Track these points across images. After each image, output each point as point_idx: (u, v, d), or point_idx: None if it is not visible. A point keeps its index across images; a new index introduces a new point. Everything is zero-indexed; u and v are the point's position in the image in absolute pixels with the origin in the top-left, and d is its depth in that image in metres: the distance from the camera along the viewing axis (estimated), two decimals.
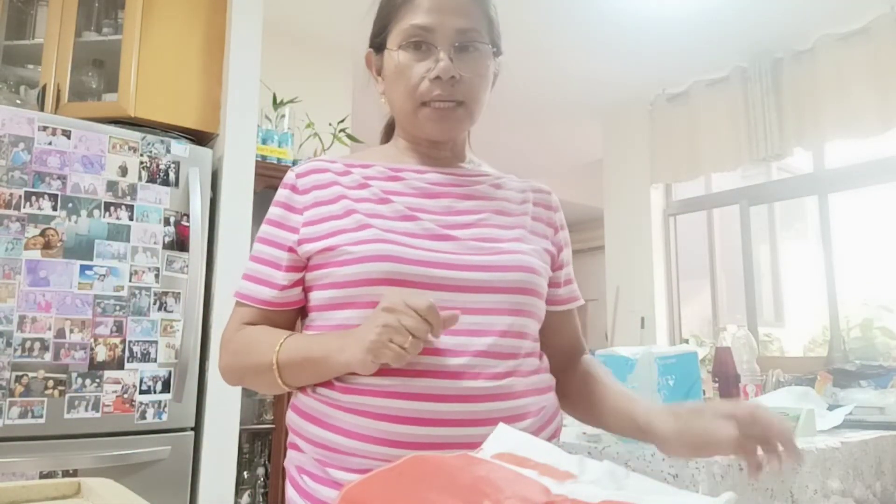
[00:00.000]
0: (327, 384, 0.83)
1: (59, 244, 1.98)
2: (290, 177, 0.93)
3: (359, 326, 0.77)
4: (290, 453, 0.89)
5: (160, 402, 2.08)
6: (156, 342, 2.09)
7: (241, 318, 0.91)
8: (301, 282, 0.89)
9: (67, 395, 1.93)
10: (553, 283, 0.96)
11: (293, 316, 0.93)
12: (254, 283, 0.90)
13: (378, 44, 0.93)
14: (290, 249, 0.88)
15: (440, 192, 0.90)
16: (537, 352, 0.91)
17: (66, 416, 1.93)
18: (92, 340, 1.99)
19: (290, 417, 0.89)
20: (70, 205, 2.01)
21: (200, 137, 2.45)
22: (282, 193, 0.92)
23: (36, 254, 1.94)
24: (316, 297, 0.88)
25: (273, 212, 0.92)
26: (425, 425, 0.76)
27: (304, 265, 0.88)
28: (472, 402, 0.78)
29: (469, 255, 0.84)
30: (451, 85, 0.85)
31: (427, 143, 0.94)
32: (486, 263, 0.84)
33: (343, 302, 0.84)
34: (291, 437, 0.89)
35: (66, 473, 1.88)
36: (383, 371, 0.76)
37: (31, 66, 2.40)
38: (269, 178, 2.62)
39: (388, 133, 1.02)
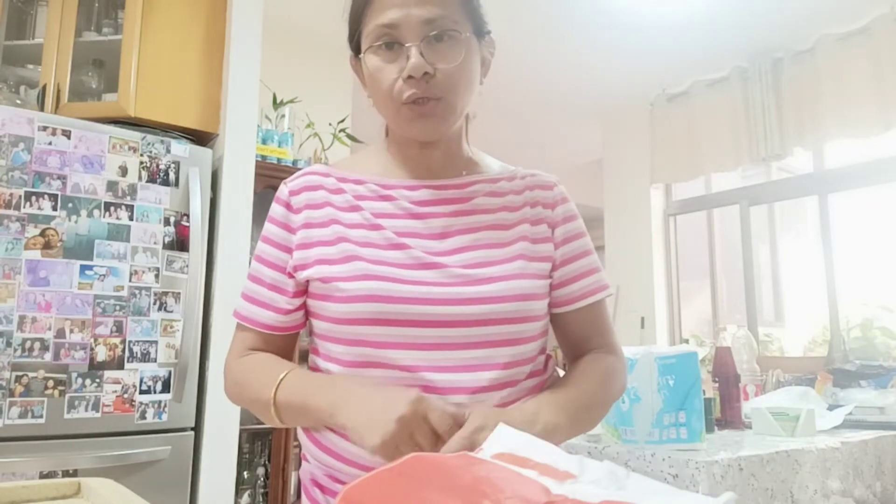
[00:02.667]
0: None
1: (59, 244, 1.98)
2: (283, 192, 0.90)
3: (361, 389, 0.75)
4: (303, 464, 0.90)
5: (160, 402, 2.08)
6: (156, 342, 2.09)
7: (244, 343, 0.89)
8: (304, 306, 0.88)
9: (67, 395, 1.93)
10: (559, 284, 0.90)
11: (296, 338, 0.92)
12: (255, 306, 0.88)
13: (354, 48, 0.89)
14: (290, 274, 0.86)
15: (431, 213, 0.86)
16: (539, 369, 0.89)
17: (66, 416, 1.93)
18: (92, 340, 1.99)
19: (300, 435, 0.89)
20: (70, 205, 2.01)
21: (200, 137, 2.45)
22: (278, 211, 0.89)
23: (36, 254, 1.94)
24: (315, 325, 0.88)
25: (271, 230, 0.89)
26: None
27: (305, 289, 0.87)
28: None
29: (460, 285, 0.81)
30: (426, 81, 0.80)
31: (417, 146, 0.89)
32: (478, 295, 0.80)
33: (337, 337, 0.83)
34: (303, 450, 0.89)
35: (66, 473, 1.88)
36: None
37: (31, 66, 2.40)
38: (269, 178, 2.62)
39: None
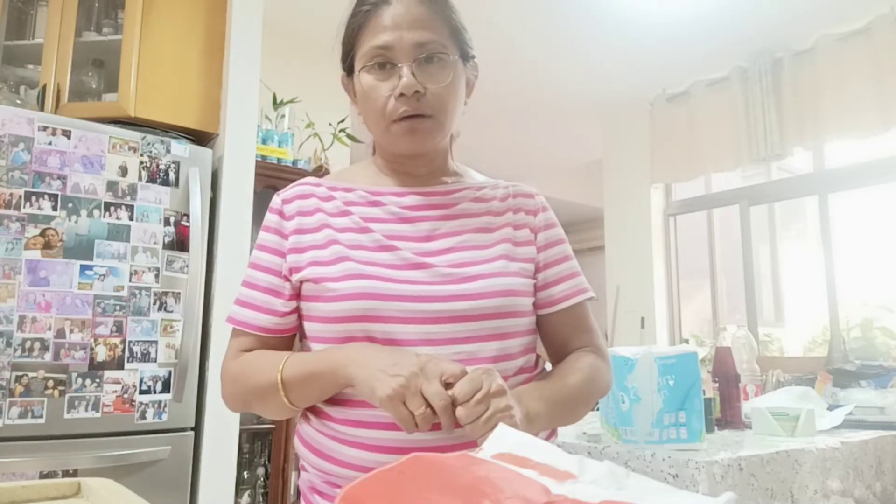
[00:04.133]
0: (326, 416, 0.84)
1: (59, 244, 1.98)
2: (276, 202, 0.94)
3: (371, 349, 0.78)
4: (302, 473, 0.91)
5: (160, 402, 2.08)
6: (156, 342, 2.09)
7: (239, 347, 0.91)
8: (298, 309, 0.90)
9: (67, 395, 1.93)
10: (542, 286, 0.94)
11: (291, 341, 0.93)
12: (251, 310, 0.90)
13: (347, 67, 0.94)
14: (286, 277, 0.89)
15: (419, 217, 0.91)
16: (529, 366, 0.91)
17: (66, 416, 1.93)
18: (92, 340, 1.99)
19: (296, 444, 0.91)
20: (70, 205, 2.01)
21: (200, 137, 2.45)
22: (271, 219, 0.93)
23: (36, 254, 1.94)
24: (307, 327, 0.89)
25: (265, 237, 0.92)
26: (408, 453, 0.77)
27: (299, 293, 0.89)
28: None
29: (447, 283, 0.84)
30: (416, 100, 0.85)
31: (404, 160, 0.94)
32: (464, 292, 0.84)
33: (328, 337, 0.85)
34: (301, 461, 0.90)
35: (66, 473, 1.88)
36: None
37: (31, 66, 2.40)
38: (269, 178, 2.62)
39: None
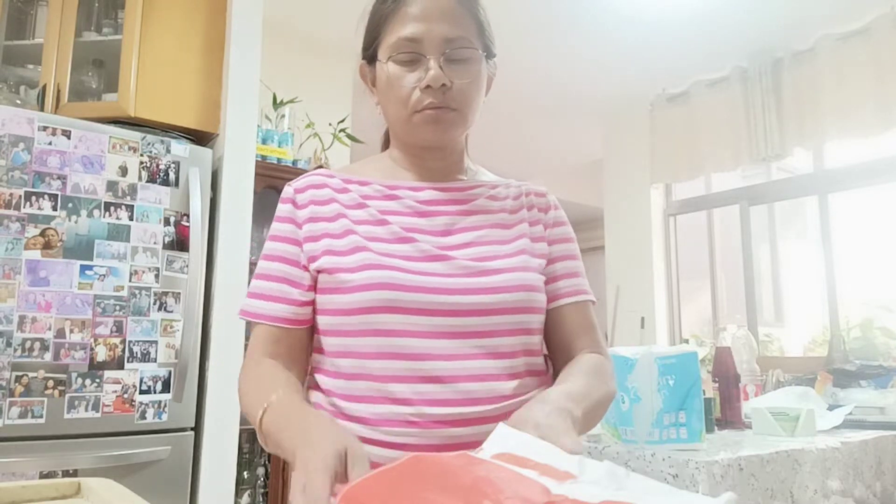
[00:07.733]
0: (329, 391, 0.84)
1: (59, 244, 1.98)
2: (288, 192, 0.92)
3: (313, 434, 0.69)
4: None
5: (160, 402, 2.08)
6: (156, 342, 2.09)
7: (263, 341, 0.87)
8: (314, 301, 0.88)
9: (67, 395, 1.93)
10: (548, 280, 0.92)
11: (310, 334, 0.90)
12: (266, 301, 0.87)
13: (369, 56, 0.93)
14: (304, 267, 0.87)
15: (436, 211, 0.90)
16: (541, 368, 0.90)
17: (66, 416, 1.93)
18: (92, 340, 1.99)
19: None
20: (70, 205, 2.01)
21: (200, 137, 2.45)
22: (283, 209, 0.91)
23: (36, 254, 1.94)
24: (321, 320, 0.87)
25: (278, 227, 0.91)
26: (430, 450, 0.75)
27: (315, 282, 0.88)
28: (474, 424, 0.78)
29: (468, 276, 0.83)
30: (442, 93, 0.85)
31: (422, 151, 0.93)
32: (485, 286, 0.83)
33: (344, 329, 0.83)
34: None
35: (66, 473, 1.88)
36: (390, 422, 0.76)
37: (31, 66, 2.40)
38: (269, 178, 2.62)
39: (388, 140, 1.01)
